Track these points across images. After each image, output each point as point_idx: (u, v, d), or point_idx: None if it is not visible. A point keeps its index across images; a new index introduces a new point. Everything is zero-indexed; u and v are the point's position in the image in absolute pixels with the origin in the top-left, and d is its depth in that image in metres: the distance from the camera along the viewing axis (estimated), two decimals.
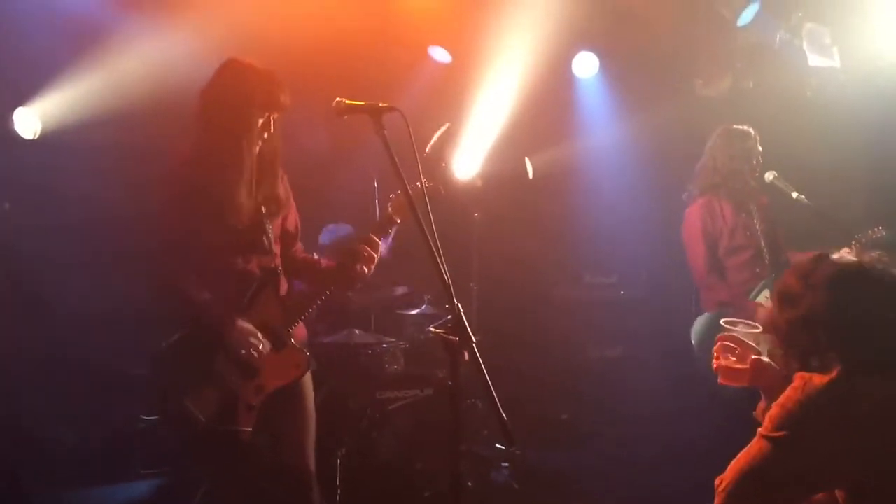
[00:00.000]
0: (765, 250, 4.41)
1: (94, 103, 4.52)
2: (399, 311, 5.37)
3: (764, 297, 4.29)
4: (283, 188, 3.21)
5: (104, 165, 4.61)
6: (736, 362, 2.26)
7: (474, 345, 2.32)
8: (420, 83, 5.84)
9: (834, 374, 2.01)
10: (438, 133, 4.63)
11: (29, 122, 4.72)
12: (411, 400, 4.65)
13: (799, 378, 2.02)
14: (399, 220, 3.24)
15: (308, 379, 3.20)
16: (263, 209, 3.10)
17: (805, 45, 5.53)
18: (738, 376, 2.26)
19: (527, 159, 6.14)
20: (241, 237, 3.04)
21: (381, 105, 2.63)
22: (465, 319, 2.35)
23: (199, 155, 3.01)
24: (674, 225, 4.93)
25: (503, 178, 5.76)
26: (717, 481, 2.07)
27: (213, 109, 3.01)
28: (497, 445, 5.21)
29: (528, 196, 6.06)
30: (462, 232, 5.21)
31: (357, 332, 4.85)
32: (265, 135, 3.03)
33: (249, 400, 2.99)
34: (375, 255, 3.19)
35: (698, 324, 4.45)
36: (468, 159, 5.71)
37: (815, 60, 5.58)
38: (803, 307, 2.05)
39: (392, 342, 4.93)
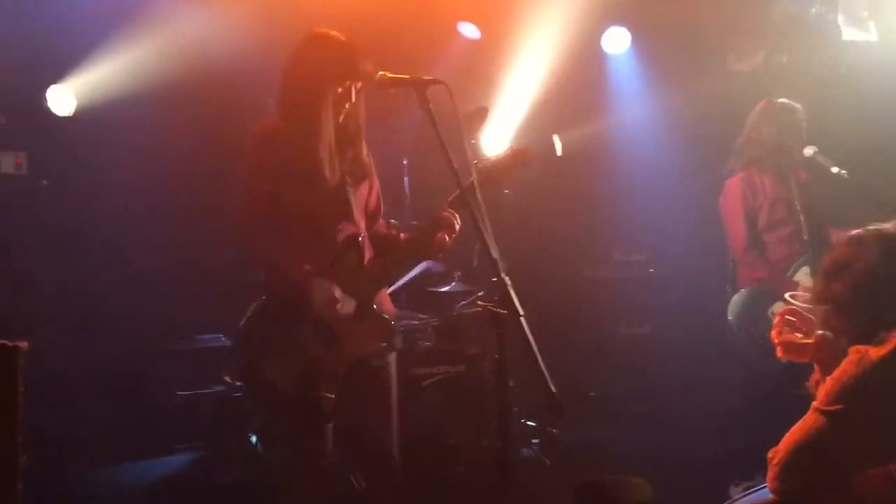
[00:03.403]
0: (804, 226, 4.37)
1: (130, 79, 4.53)
2: (429, 289, 5.37)
3: (803, 274, 4.26)
4: (367, 160, 3.19)
5: (140, 141, 4.64)
6: (801, 337, 2.24)
7: (522, 318, 2.32)
8: (449, 59, 5.81)
9: (890, 346, 2.00)
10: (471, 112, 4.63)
11: (64, 99, 4.73)
12: (443, 376, 4.65)
13: (854, 351, 2.01)
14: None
15: (392, 360, 3.16)
16: (348, 179, 3.08)
17: (840, 19, 5.45)
18: (802, 351, 2.24)
19: (555, 137, 6.10)
20: (327, 206, 3.02)
21: (425, 78, 2.63)
22: (513, 293, 2.35)
23: (282, 127, 3.01)
24: (705, 202, 4.89)
25: (532, 155, 5.72)
26: (770, 454, 2.06)
27: (293, 82, 3.02)
28: (527, 422, 5.24)
29: (558, 173, 6.03)
30: (491, 209, 5.19)
31: None
32: (346, 105, 3.00)
33: (332, 368, 2.95)
34: (457, 223, 3.11)
35: (736, 300, 4.42)
36: (497, 136, 5.68)
37: (850, 34, 5.51)
38: (858, 270, 2.05)
39: (423, 319, 4.94)
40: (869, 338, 2.02)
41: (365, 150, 3.17)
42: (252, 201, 2.97)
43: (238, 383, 4.70)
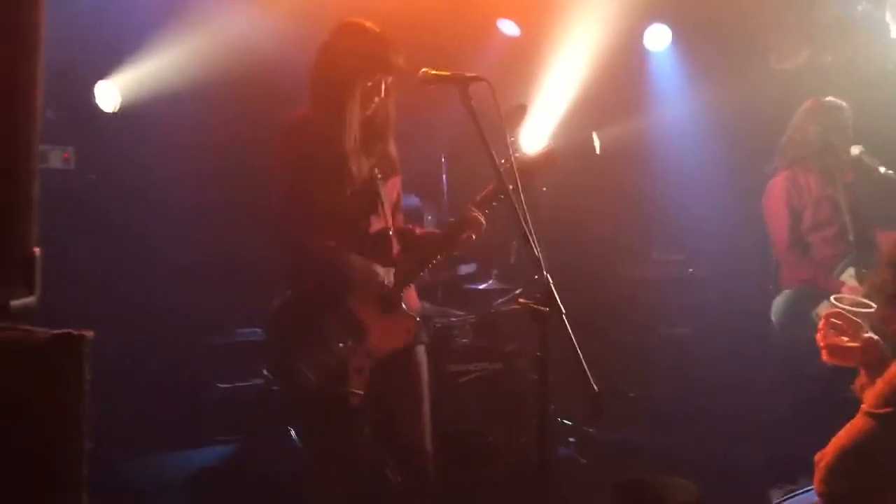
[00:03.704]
0: (850, 226, 4.31)
1: (173, 76, 4.59)
2: (466, 286, 5.38)
3: (848, 275, 4.20)
4: (395, 156, 3.19)
5: (184, 138, 4.69)
6: (847, 340, 2.19)
7: (564, 316, 2.32)
8: (488, 57, 5.79)
9: None
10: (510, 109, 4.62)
11: (110, 95, 4.80)
12: (481, 373, 4.66)
13: None
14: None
15: (422, 354, 3.17)
16: (377, 172, 3.09)
17: (888, 17, 5.34)
18: (848, 355, 2.20)
19: (594, 134, 6.06)
20: (356, 200, 3.04)
21: (468, 75, 2.64)
22: (554, 290, 2.36)
23: (311, 117, 3.02)
24: (746, 201, 4.83)
25: (571, 152, 5.70)
26: (817, 457, 2.03)
27: (322, 73, 3.02)
28: (564, 420, 5.22)
29: (597, 171, 5.99)
30: (528, 206, 5.16)
31: (426, 304, 4.87)
32: (375, 98, 3.01)
33: (359, 363, 2.97)
34: (483, 223, 3.12)
35: (779, 301, 4.37)
36: (537, 134, 5.66)
37: None
38: None
39: (461, 316, 4.95)
40: None
41: (393, 146, 3.17)
42: (279, 189, 3.02)
43: (272, 377, 4.75)
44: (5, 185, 0.92)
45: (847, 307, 2.22)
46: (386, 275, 3.04)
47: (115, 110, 4.84)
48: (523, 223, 2.44)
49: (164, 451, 4.82)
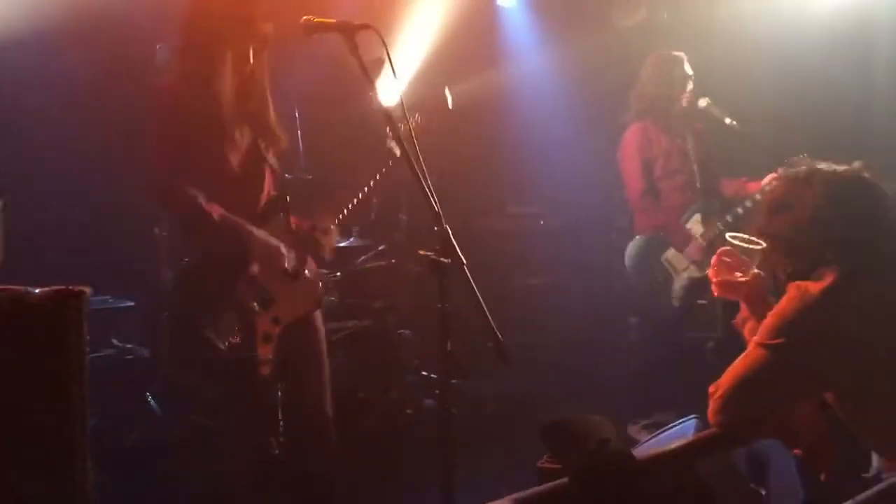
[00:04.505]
0: (697, 175, 4.57)
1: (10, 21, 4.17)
2: None
3: (695, 221, 4.48)
4: (276, 123, 3.09)
5: (15, 89, 4.29)
6: (739, 276, 2.33)
7: (465, 266, 2.34)
8: (338, 11, 5.64)
9: (829, 280, 2.12)
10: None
11: None
12: (350, 331, 4.64)
13: (794, 287, 2.12)
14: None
15: (320, 318, 3.13)
16: (260, 143, 2.99)
17: None
18: (738, 290, 2.34)
19: (446, 89, 6.07)
20: (244, 169, 2.95)
21: (354, 23, 2.57)
22: (454, 241, 2.37)
23: (181, 89, 2.88)
24: (595, 154, 5.01)
25: (423, 108, 5.68)
26: (711, 389, 2.16)
27: (188, 41, 2.88)
28: (429, 375, 5.28)
29: (450, 127, 6.01)
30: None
31: None
32: (246, 67, 2.89)
33: (267, 330, 2.90)
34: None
35: (633, 246, 4.61)
36: (391, 89, 5.60)
37: None
38: (800, 210, 2.14)
39: (326, 273, 4.87)
40: (806, 274, 2.14)
41: (273, 115, 3.06)
42: (168, 160, 2.86)
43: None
44: None
45: (739, 244, 2.35)
46: (285, 246, 2.95)
47: None
48: (420, 177, 2.43)
49: None
